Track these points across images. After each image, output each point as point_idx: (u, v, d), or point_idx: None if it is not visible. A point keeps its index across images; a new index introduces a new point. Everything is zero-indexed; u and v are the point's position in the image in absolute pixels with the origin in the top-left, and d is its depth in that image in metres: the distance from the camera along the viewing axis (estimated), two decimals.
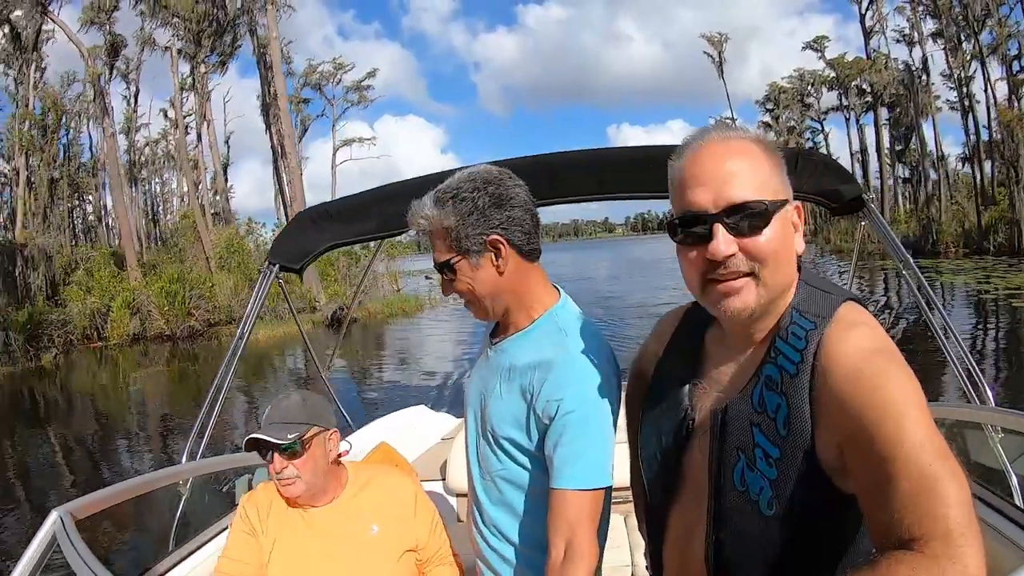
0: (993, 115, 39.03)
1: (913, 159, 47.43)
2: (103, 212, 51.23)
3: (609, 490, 1.59)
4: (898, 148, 49.49)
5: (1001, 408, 2.77)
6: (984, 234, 36.02)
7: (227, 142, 48.73)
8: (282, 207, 39.97)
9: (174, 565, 2.46)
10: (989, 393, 2.85)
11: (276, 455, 2.12)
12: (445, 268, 1.68)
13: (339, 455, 2.31)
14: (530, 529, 1.68)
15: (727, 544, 1.21)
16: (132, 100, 46.51)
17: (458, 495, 3.77)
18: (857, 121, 53.28)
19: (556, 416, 1.55)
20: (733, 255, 1.16)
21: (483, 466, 1.78)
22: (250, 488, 3.09)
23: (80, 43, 33.32)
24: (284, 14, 37.76)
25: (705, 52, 59.11)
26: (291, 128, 32.59)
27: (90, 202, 51.60)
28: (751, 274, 1.17)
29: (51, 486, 9.81)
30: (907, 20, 43.43)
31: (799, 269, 1.26)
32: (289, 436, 2.10)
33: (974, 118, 41.63)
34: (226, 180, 47.31)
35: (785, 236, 1.19)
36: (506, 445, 1.68)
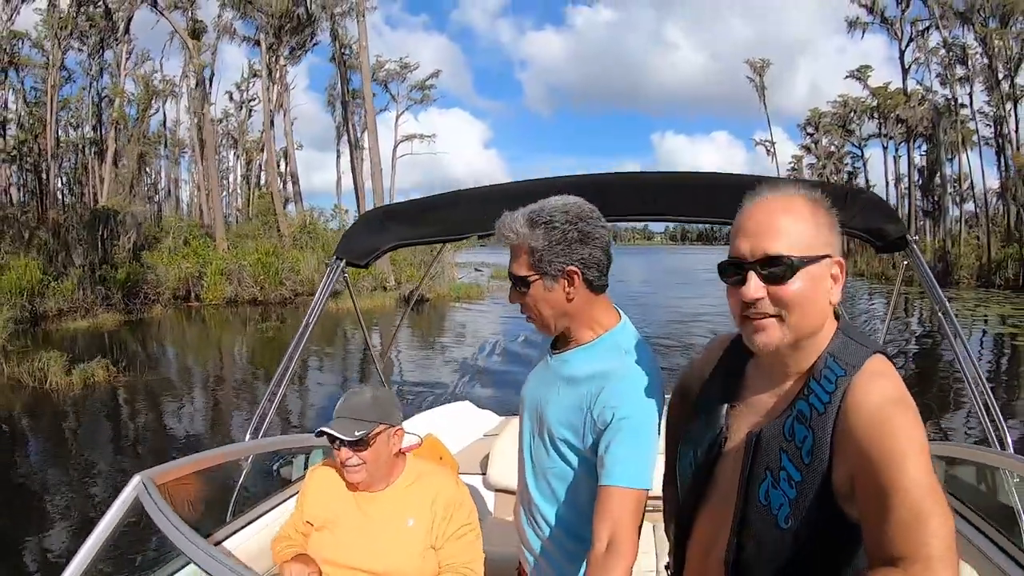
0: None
1: (937, 193, 49.88)
2: (172, 185, 55.46)
3: (647, 493, 1.73)
4: (922, 181, 51.99)
5: (1019, 455, 2.82)
6: (995, 269, 38.84)
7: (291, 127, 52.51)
8: (355, 195, 44.11)
9: (230, 535, 2.67)
10: (1009, 439, 2.98)
11: (344, 446, 2.34)
12: (520, 282, 1.87)
13: (401, 450, 2.52)
14: (575, 522, 1.89)
15: (746, 548, 1.40)
16: (207, 83, 50.19)
17: (497, 490, 4.02)
18: (896, 150, 55.09)
19: (611, 421, 1.75)
20: (761, 299, 1.35)
21: (536, 463, 2.00)
22: (307, 467, 3.32)
23: (187, 38, 37.69)
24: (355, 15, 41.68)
25: (748, 77, 61.07)
26: (375, 127, 36.41)
27: (148, 174, 55.39)
28: (777, 316, 1.36)
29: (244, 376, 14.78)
30: (939, 63, 46.40)
31: (837, 317, 1.45)
32: (356, 433, 2.31)
33: (1004, 157, 44.34)
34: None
35: (814, 287, 1.35)
36: (560, 445, 1.89)
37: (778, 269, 1.34)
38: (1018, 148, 43.27)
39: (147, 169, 52.95)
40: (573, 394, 1.86)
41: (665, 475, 1.83)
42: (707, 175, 3.68)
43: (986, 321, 22.64)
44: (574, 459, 1.87)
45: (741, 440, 1.48)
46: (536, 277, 1.83)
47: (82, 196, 44.19)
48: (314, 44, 44.93)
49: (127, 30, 41.63)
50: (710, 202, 3.37)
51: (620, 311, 1.98)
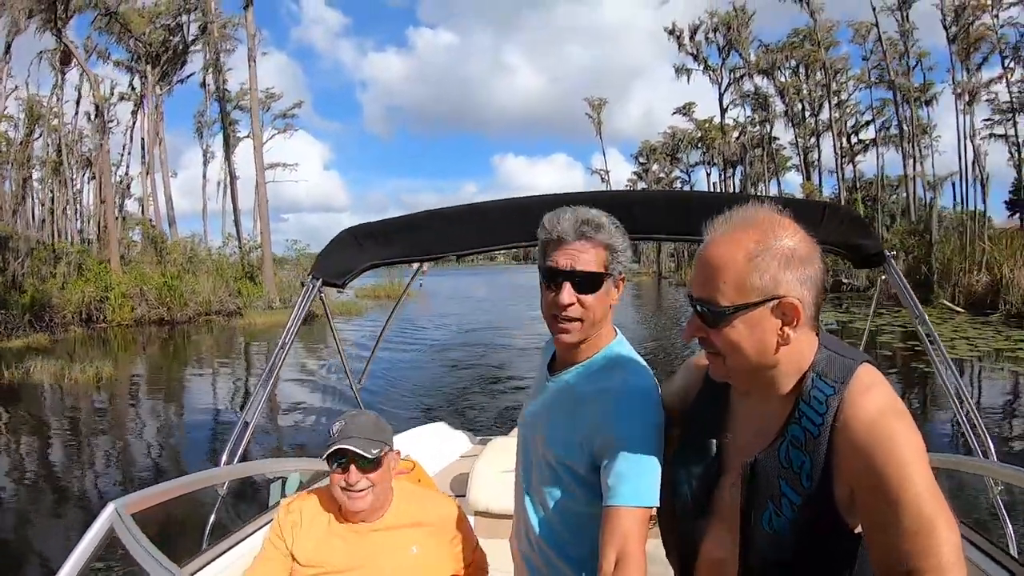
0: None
1: None
2: (49, 206, 55.73)
3: (652, 511, 1.70)
4: None
5: (1001, 463, 2.84)
6: None
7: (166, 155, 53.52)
8: (232, 221, 47.65)
9: (207, 564, 2.58)
10: (992, 446, 3.03)
11: (353, 467, 2.27)
12: (589, 279, 1.80)
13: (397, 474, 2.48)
14: (570, 542, 1.89)
15: (755, 570, 1.44)
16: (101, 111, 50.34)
17: (476, 513, 3.92)
18: (719, 175, 64.30)
19: (614, 441, 1.71)
20: (703, 338, 1.41)
21: (532, 484, 1.99)
22: (283, 494, 3.34)
23: (89, 70, 40.97)
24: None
25: (587, 114, 70.00)
26: (262, 163, 40.52)
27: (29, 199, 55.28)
28: (718, 354, 1.42)
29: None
30: (751, 105, 58.01)
31: (817, 333, 1.43)
32: (373, 451, 2.28)
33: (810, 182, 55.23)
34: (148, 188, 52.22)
35: (752, 333, 1.35)
36: (557, 466, 1.87)
37: (709, 315, 1.38)
38: (820, 176, 55.66)
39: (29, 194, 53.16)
40: (572, 413, 1.86)
41: (662, 501, 1.73)
42: (690, 194, 3.56)
43: None
44: (571, 480, 1.86)
45: (736, 468, 1.50)
46: (608, 275, 1.82)
47: None
48: (188, 76, 48.48)
49: (7, 50, 41.50)
50: (688, 221, 3.45)
51: (615, 327, 1.97)
